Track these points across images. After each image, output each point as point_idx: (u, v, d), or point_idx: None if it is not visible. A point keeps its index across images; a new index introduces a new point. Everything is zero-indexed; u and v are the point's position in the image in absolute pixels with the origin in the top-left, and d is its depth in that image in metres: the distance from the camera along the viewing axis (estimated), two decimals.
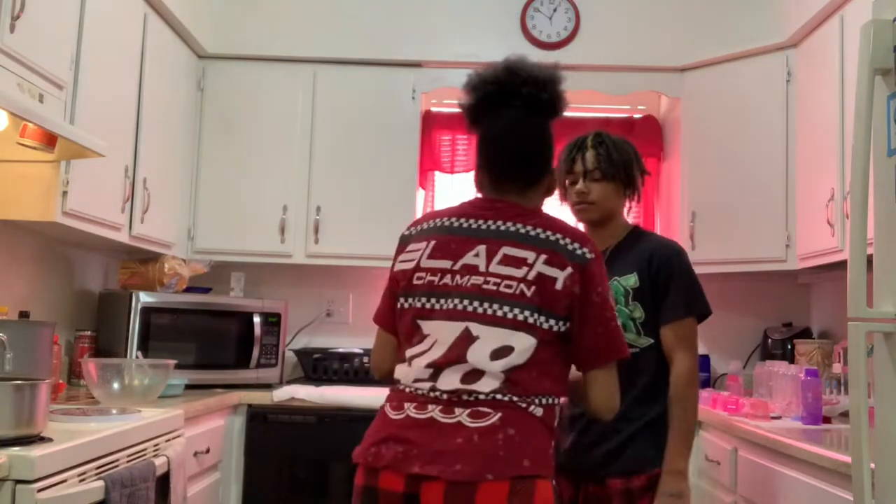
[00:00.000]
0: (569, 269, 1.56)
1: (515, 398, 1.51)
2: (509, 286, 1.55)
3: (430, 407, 1.51)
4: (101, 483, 1.78)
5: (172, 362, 2.67)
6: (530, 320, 1.53)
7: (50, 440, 1.73)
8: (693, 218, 3.48)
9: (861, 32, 1.56)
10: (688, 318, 2.03)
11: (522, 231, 1.60)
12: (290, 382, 3.39)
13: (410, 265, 1.64)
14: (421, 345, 1.58)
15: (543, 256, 1.56)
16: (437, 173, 3.95)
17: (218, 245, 3.54)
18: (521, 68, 1.77)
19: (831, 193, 2.84)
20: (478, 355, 1.52)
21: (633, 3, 3.59)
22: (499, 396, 1.50)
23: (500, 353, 1.52)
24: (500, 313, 1.53)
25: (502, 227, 1.61)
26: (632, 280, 2.04)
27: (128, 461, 1.99)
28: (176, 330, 3.17)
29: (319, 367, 3.47)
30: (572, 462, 2.02)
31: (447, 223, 1.65)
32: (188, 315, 3.20)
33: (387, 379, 1.70)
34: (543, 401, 1.54)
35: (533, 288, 1.54)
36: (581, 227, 2.14)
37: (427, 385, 1.53)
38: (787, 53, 3.27)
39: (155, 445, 2.18)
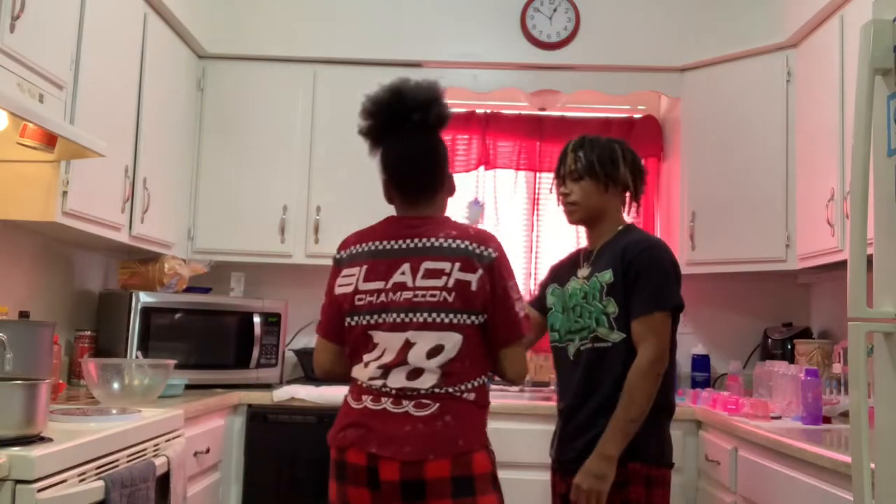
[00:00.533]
0: (479, 272, 1.87)
1: (450, 389, 1.84)
2: (434, 295, 1.86)
3: (383, 400, 1.86)
4: (101, 483, 1.78)
5: (172, 362, 2.67)
6: (455, 321, 1.85)
7: (50, 440, 1.73)
8: (693, 218, 3.48)
9: (861, 32, 1.56)
10: (656, 313, 2.03)
11: (437, 244, 1.89)
12: (290, 382, 3.39)
13: (350, 289, 1.93)
14: (375, 351, 1.89)
15: (458, 264, 1.87)
16: None
17: (218, 245, 3.54)
18: (407, 94, 1.99)
19: (831, 193, 2.84)
20: (417, 357, 1.84)
21: (633, 3, 3.59)
22: (437, 390, 1.83)
23: (434, 352, 1.84)
24: (429, 319, 1.85)
25: (419, 245, 1.91)
26: (607, 276, 2.09)
27: (128, 461, 1.99)
28: (176, 330, 3.17)
29: None
30: (558, 457, 2.16)
31: (374, 247, 1.94)
32: (188, 315, 3.20)
33: (330, 378, 2.06)
34: (475, 384, 1.88)
35: (453, 293, 1.85)
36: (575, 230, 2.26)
37: (379, 382, 1.87)
38: (787, 53, 3.27)
39: (155, 445, 2.18)
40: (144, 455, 2.10)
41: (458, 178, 3.91)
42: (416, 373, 1.84)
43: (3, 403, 1.66)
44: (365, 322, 1.90)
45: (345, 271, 1.96)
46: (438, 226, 1.94)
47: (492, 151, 3.92)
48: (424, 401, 1.83)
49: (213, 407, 2.84)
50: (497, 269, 1.90)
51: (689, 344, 3.78)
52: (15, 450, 1.61)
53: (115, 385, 2.50)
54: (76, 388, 3.02)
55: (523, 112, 3.95)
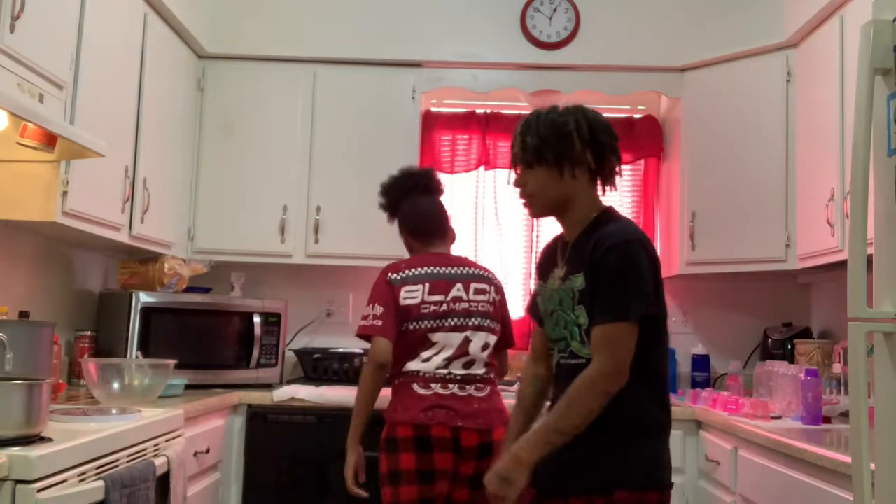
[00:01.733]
0: (499, 295, 2.68)
1: (490, 375, 2.57)
2: (483, 307, 2.59)
3: (450, 386, 2.47)
4: (101, 483, 1.78)
5: (172, 362, 2.67)
6: (493, 327, 2.61)
7: (50, 440, 1.73)
8: (693, 218, 3.48)
9: (861, 32, 1.56)
10: (617, 323, 1.73)
11: (479, 273, 2.65)
12: (290, 382, 3.39)
13: (416, 300, 2.53)
14: (433, 349, 2.51)
15: (493, 287, 2.65)
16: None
17: (218, 245, 3.54)
18: (411, 170, 2.82)
19: (831, 193, 2.84)
20: (474, 350, 2.54)
21: (633, 3, 3.59)
22: (485, 376, 2.55)
23: (484, 347, 2.56)
24: (481, 324, 2.57)
25: (466, 272, 2.63)
26: (579, 281, 1.81)
27: (128, 461, 1.99)
28: (176, 330, 3.17)
29: (319, 367, 3.47)
30: (533, 476, 1.78)
31: (432, 271, 2.59)
32: (188, 315, 3.20)
33: (385, 369, 2.53)
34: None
35: (492, 307, 2.62)
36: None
37: (445, 371, 2.49)
38: (787, 53, 3.27)
39: (155, 445, 2.18)
40: (144, 455, 2.10)
41: (459, 178, 3.94)
42: (471, 363, 2.51)
43: (3, 403, 1.66)
44: (426, 326, 2.51)
45: (408, 287, 2.54)
46: (469, 261, 2.71)
47: (492, 151, 3.92)
48: (479, 385, 2.51)
49: (213, 407, 2.84)
50: (503, 294, 2.71)
51: (689, 344, 3.79)
52: (15, 450, 1.61)
53: (115, 385, 2.50)
54: (76, 388, 3.02)
55: (523, 112, 3.94)
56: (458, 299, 2.55)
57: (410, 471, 2.40)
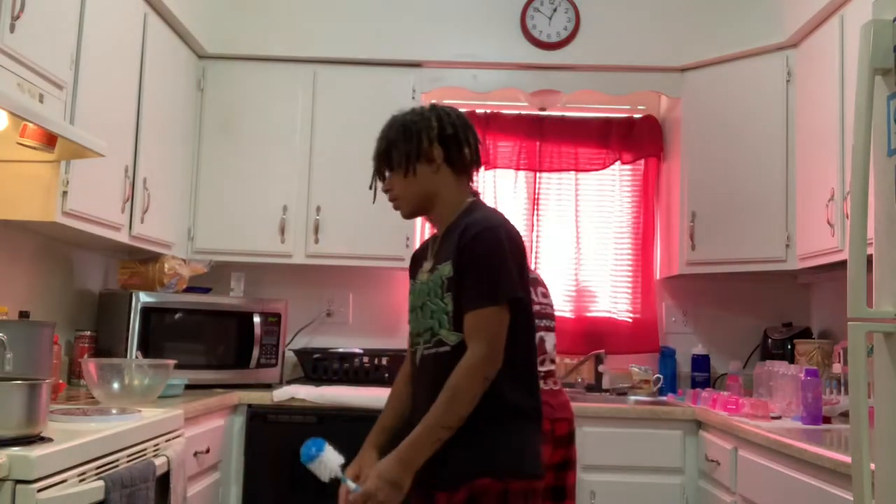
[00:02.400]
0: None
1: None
2: (548, 309, 2.65)
3: (540, 382, 2.15)
4: (101, 483, 1.78)
5: (172, 362, 2.67)
6: (554, 326, 2.66)
7: (50, 440, 1.73)
8: (693, 218, 3.48)
9: (861, 32, 1.56)
10: (489, 308, 1.73)
11: (536, 276, 2.65)
12: (290, 382, 3.39)
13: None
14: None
15: (548, 290, 2.69)
16: None
17: (218, 245, 3.54)
18: None
19: (831, 193, 2.84)
20: (549, 349, 2.60)
21: (633, 4, 3.59)
22: (555, 371, 2.63)
23: (553, 346, 2.63)
24: (549, 325, 2.61)
25: (531, 276, 2.13)
26: (447, 269, 1.81)
27: (128, 461, 1.99)
28: (176, 330, 3.17)
29: (319, 367, 3.47)
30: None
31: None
32: (188, 315, 3.20)
33: None
34: None
35: (553, 309, 2.68)
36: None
37: (544, 369, 2.51)
38: (787, 53, 3.27)
39: (155, 445, 2.18)
40: (144, 455, 2.10)
41: None
42: (548, 361, 2.58)
43: (3, 403, 1.66)
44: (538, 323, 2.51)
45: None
46: None
47: (492, 151, 3.92)
48: (555, 379, 2.58)
49: (213, 407, 2.84)
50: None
51: (689, 344, 3.79)
52: (15, 450, 1.61)
53: (115, 385, 2.50)
54: (76, 388, 3.02)
55: (523, 112, 3.95)
56: (534, 301, 2.51)
57: None
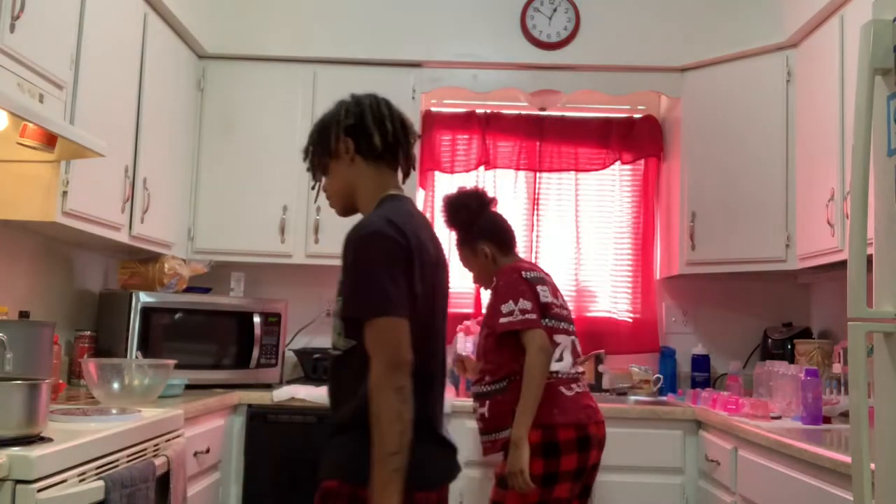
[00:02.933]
0: None
1: None
2: (570, 314, 2.75)
3: (577, 385, 2.61)
4: (101, 483, 1.78)
5: (172, 362, 2.67)
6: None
7: (50, 440, 1.73)
8: (693, 218, 3.48)
9: (861, 32, 1.56)
10: (379, 318, 1.65)
11: (555, 282, 2.76)
12: (290, 382, 3.39)
13: (549, 300, 2.62)
14: (558, 349, 2.60)
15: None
16: (436, 173, 3.95)
17: (218, 245, 3.54)
18: (479, 190, 2.94)
19: (831, 193, 2.84)
20: (577, 351, 2.69)
21: (633, 3, 3.59)
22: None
23: (578, 349, 2.71)
24: (571, 329, 2.71)
25: (553, 280, 2.74)
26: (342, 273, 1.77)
27: (128, 461, 1.99)
28: (176, 330, 3.17)
29: (319, 367, 3.47)
30: None
31: (544, 276, 2.71)
32: (188, 315, 3.20)
33: None
34: None
35: (571, 314, 2.79)
36: None
37: (574, 371, 2.62)
38: (787, 53, 3.27)
39: (155, 445, 2.18)
40: (144, 455, 2.10)
41: (458, 178, 3.94)
42: (576, 364, 2.68)
43: (3, 403, 1.66)
44: (553, 326, 2.59)
45: (540, 287, 2.61)
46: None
47: (492, 151, 3.92)
48: (584, 382, 2.67)
49: (213, 407, 2.84)
50: None
51: (689, 344, 3.79)
52: (15, 450, 1.61)
53: (115, 385, 2.50)
54: (76, 388, 3.02)
55: (523, 112, 3.95)
56: (563, 305, 2.73)
57: (570, 471, 2.47)
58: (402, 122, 1.90)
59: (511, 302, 2.55)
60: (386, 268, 1.68)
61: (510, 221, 2.83)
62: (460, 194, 2.81)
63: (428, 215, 3.91)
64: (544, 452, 2.46)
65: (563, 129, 3.92)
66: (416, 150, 2.02)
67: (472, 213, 2.76)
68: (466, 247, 2.78)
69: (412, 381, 1.67)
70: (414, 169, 1.97)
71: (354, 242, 1.72)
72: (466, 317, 3.73)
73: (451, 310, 3.74)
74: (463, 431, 3.06)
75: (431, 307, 1.80)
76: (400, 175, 1.94)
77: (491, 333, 2.61)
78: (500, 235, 2.77)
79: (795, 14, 3.15)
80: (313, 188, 1.96)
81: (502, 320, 2.54)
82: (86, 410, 2.18)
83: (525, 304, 2.54)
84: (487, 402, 2.60)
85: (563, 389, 2.55)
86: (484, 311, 2.80)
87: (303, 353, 3.56)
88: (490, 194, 2.85)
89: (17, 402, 1.68)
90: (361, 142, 1.84)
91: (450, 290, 2.01)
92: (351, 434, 1.70)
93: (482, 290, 2.86)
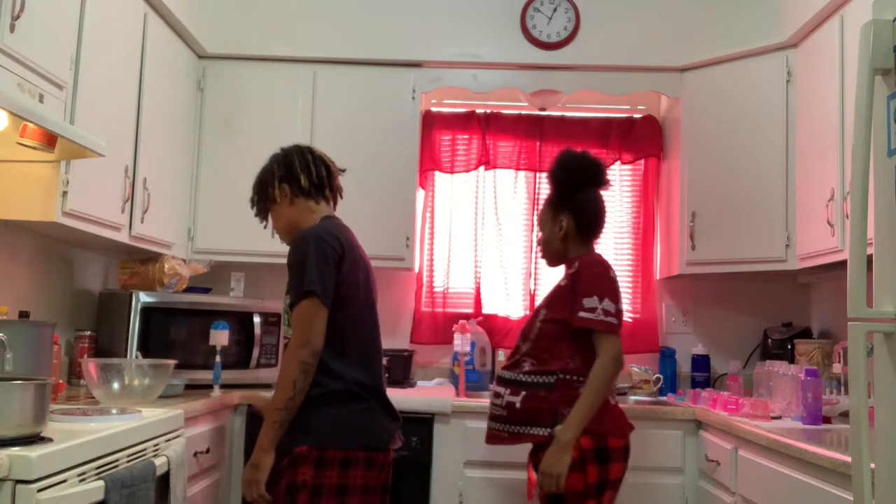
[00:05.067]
0: None
1: None
2: None
3: (615, 394, 2.52)
4: (101, 483, 1.78)
5: (172, 362, 2.67)
6: None
7: (50, 440, 1.73)
8: (693, 218, 3.48)
9: (861, 32, 1.56)
10: (301, 301, 2.12)
11: None
12: None
13: (622, 306, 2.50)
14: None
15: None
16: (437, 173, 3.95)
17: (218, 245, 3.54)
18: (601, 164, 2.66)
19: (831, 193, 2.84)
20: None
21: (633, 4, 3.59)
22: None
23: None
24: None
25: None
26: None
27: (128, 461, 1.99)
28: (176, 330, 3.17)
29: None
30: None
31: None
32: (188, 315, 3.20)
33: None
34: None
35: None
36: None
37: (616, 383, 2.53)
38: (787, 53, 3.27)
39: (155, 445, 2.18)
40: (144, 455, 2.10)
41: (459, 178, 3.95)
42: None
43: (3, 403, 1.66)
44: None
45: (619, 291, 2.48)
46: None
47: (492, 151, 3.92)
48: None
49: (213, 407, 2.84)
50: None
51: (689, 344, 3.79)
52: (15, 450, 1.61)
53: (115, 385, 2.50)
54: (76, 388, 3.02)
55: (523, 112, 3.95)
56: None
57: (616, 480, 2.38)
58: (325, 162, 2.43)
59: (596, 298, 2.38)
60: (316, 261, 2.13)
61: (607, 213, 2.61)
62: (581, 158, 2.59)
63: (428, 215, 3.92)
64: (597, 458, 2.34)
65: (563, 129, 3.92)
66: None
67: (576, 180, 2.54)
68: (551, 208, 2.57)
69: (360, 356, 2.18)
70: (341, 197, 2.48)
71: (294, 245, 2.19)
72: (466, 316, 3.74)
73: (450, 310, 3.83)
74: (462, 431, 3.06)
75: (364, 301, 2.24)
76: (331, 204, 2.43)
77: (555, 320, 2.44)
78: (589, 219, 2.55)
79: (795, 14, 3.15)
80: (265, 228, 2.47)
81: (582, 314, 2.37)
82: (86, 410, 2.18)
83: (609, 305, 2.39)
84: (523, 392, 2.41)
85: (609, 398, 2.44)
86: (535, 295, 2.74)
87: None
88: (608, 176, 2.63)
89: (17, 402, 1.68)
90: (294, 186, 2.34)
91: (375, 292, 2.38)
92: (315, 405, 2.11)
93: (541, 258, 2.66)
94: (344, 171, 2.49)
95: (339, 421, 2.12)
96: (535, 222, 2.72)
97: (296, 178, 2.34)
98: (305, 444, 2.08)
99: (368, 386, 2.18)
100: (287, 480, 2.08)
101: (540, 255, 2.66)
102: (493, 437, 2.48)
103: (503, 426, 2.44)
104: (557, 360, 2.40)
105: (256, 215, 2.41)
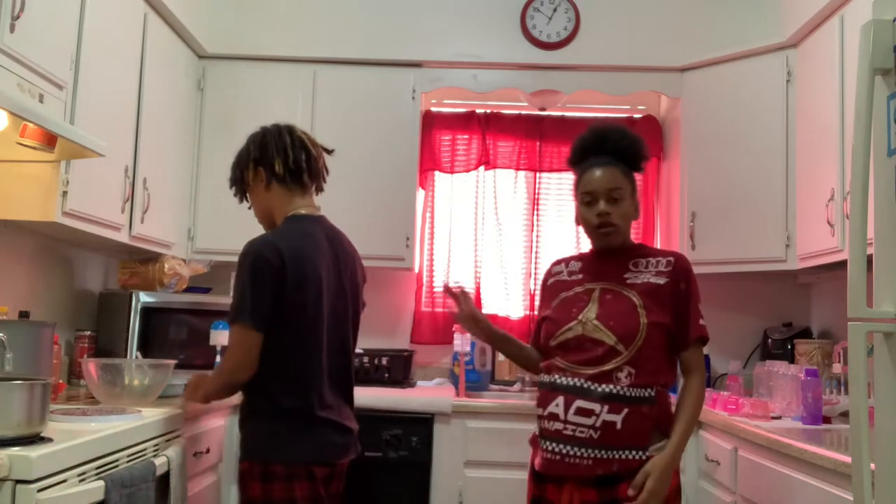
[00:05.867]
0: None
1: None
2: None
3: None
4: (101, 483, 1.78)
5: (172, 362, 2.67)
6: None
7: (50, 440, 1.73)
8: (693, 218, 3.48)
9: (861, 32, 1.56)
10: (233, 326, 2.10)
11: None
12: None
13: None
14: None
15: None
16: (436, 173, 3.95)
17: (218, 245, 3.54)
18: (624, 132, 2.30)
19: (831, 193, 2.84)
20: None
21: (633, 3, 3.59)
22: None
23: None
24: None
25: None
26: None
27: (128, 461, 1.99)
28: (176, 330, 3.16)
29: None
30: None
31: None
32: (188, 315, 3.20)
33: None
34: None
35: None
36: None
37: None
38: (787, 53, 3.27)
39: (155, 445, 2.18)
40: (144, 455, 2.10)
41: (459, 178, 3.95)
42: None
43: (3, 403, 1.66)
44: None
45: None
46: None
47: (492, 151, 3.92)
48: None
49: (213, 407, 2.84)
50: None
51: None
52: (15, 450, 1.60)
53: (115, 385, 2.50)
54: (76, 388, 3.02)
55: (523, 112, 3.95)
56: None
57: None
58: (304, 145, 2.23)
59: (700, 307, 2.17)
60: (251, 283, 2.06)
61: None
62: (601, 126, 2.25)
63: (428, 215, 3.92)
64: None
65: (563, 129, 3.92)
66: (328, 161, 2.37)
67: (586, 144, 2.22)
68: (630, 182, 2.21)
69: (298, 376, 2.10)
70: (324, 181, 2.32)
71: (239, 259, 2.11)
72: None
73: (450, 310, 3.81)
74: (462, 431, 3.06)
75: (313, 318, 2.11)
76: (312, 190, 2.29)
77: (660, 325, 2.06)
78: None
79: (795, 14, 3.15)
80: (249, 209, 2.35)
81: (703, 323, 2.16)
82: (86, 410, 2.18)
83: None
84: (626, 409, 1.95)
85: None
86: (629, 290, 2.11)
87: None
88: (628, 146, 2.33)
89: (17, 402, 1.68)
90: (267, 170, 2.21)
91: (347, 300, 2.28)
92: (255, 423, 2.14)
93: (605, 237, 2.13)
94: (331, 151, 2.32)
95: (277, 435, 2.10)
96: (605, 191, 2.09)
97: (269, 162, 2.22)
98: (246, 459, 2.13)
99: (302, 409, 2.11)
100: (241, 497, 2.15)
101: (606, 231, 2.10)
102: (564, 467, 1.96)
103: (590, 451, 1.93)
104: (663, 373, 2.06)
105: (235, 195, 2.34)
